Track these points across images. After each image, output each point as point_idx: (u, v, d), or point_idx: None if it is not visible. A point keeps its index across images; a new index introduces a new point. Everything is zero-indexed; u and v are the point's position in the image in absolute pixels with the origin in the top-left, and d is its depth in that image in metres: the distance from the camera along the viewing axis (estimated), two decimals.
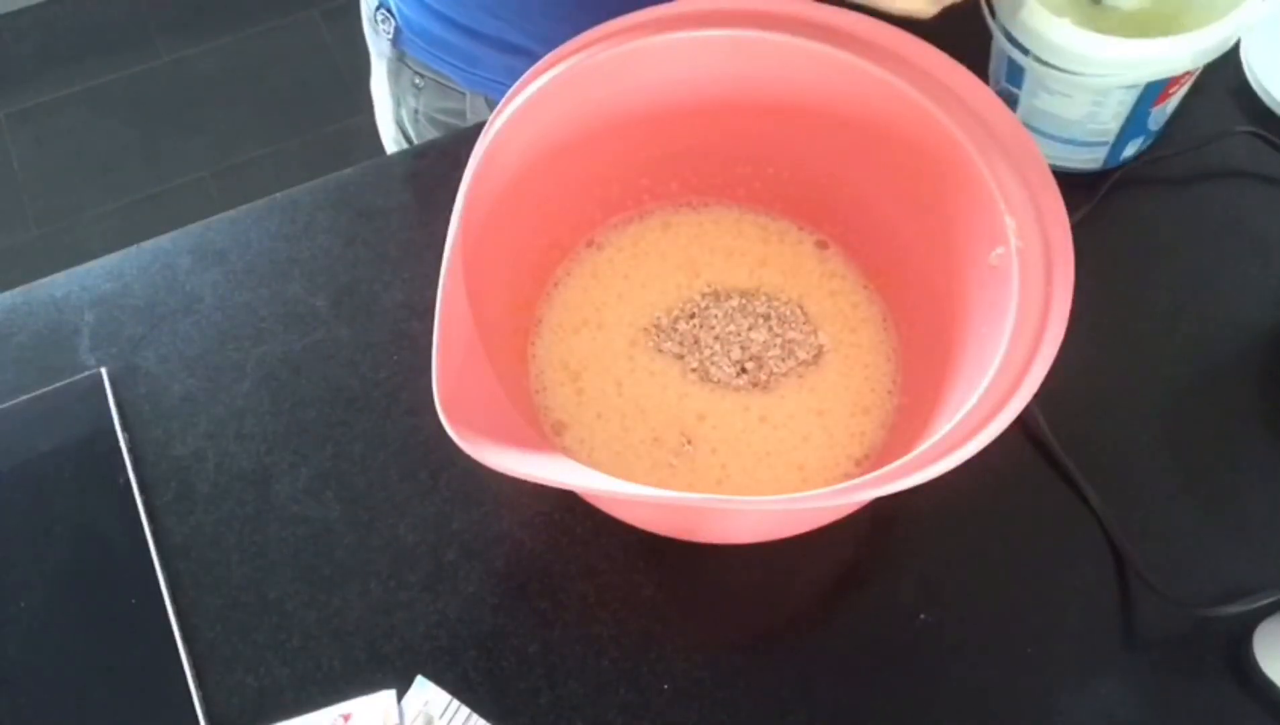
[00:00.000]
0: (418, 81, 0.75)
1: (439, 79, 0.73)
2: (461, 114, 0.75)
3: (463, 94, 0.73)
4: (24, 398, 0.56)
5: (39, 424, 0.55)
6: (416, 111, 0.77)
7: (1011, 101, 0.61)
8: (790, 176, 0.57)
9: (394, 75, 0.76)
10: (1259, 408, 0.57)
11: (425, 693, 0.49)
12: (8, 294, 0.60)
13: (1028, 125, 0.61)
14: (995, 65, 0.61)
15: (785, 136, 0.55)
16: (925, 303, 0.53)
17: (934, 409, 0.48)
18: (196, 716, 0.48)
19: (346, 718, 0.48)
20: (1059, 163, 0.63)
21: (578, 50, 0.49)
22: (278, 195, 0.63)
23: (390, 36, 0.73)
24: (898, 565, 0.53)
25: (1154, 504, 0.54)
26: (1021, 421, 0.50)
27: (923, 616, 0.51)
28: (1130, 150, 0.63)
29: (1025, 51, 0.56)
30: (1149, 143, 0.63)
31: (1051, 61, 0.56)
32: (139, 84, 1.79)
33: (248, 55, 1.82)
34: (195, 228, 0.62)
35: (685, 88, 0.53)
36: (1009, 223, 0.45)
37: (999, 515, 0.53)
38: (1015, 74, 0.59)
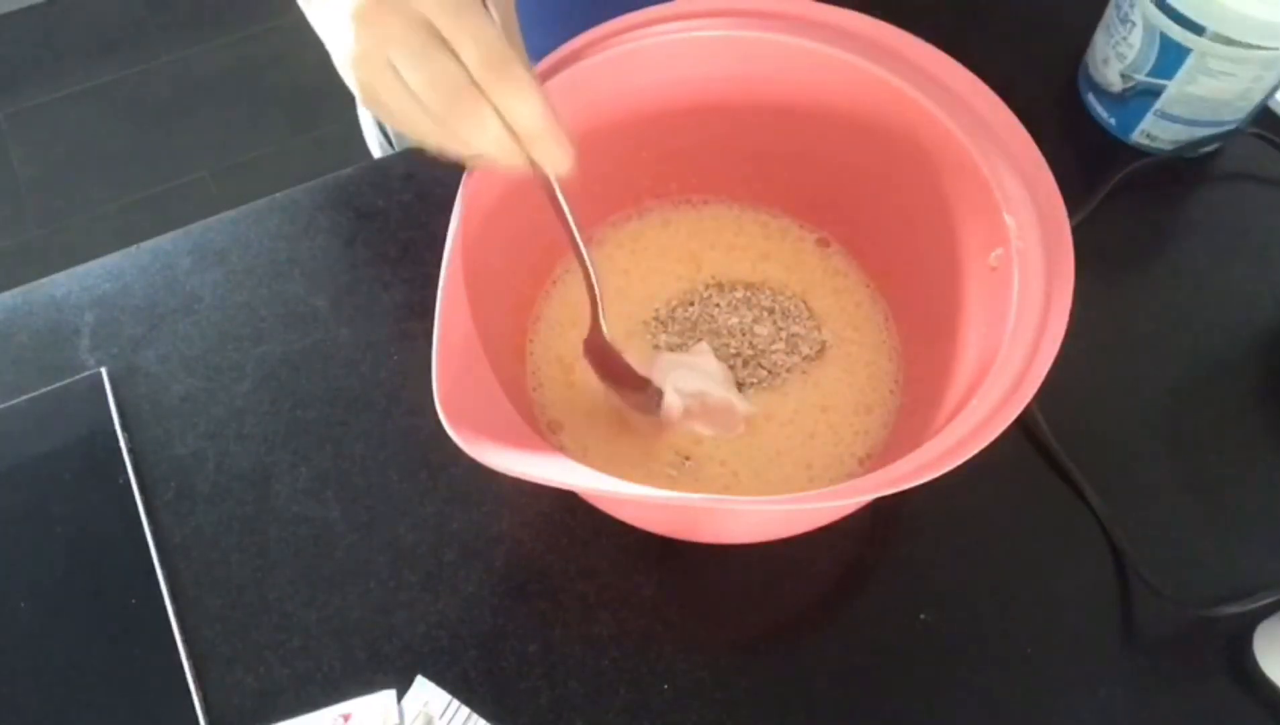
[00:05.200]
0: None
1: None
2: None
3: None
4: (24, 398, 0.56)
5: (39, 424, 0.55)
6: None
7: (1153, 94, 0.61)
8: (790, 175, 0.57)
9: None
10: (1259, 408, 0.57)
11: (425, 693, 0.49)
12: (8, 294, 0.60)
13: (1161, 113, 0.62)
14: (1135, 60, 0.61)
15: (784, 136, 0.55)
16: (926, 302, 0.53)
17: (935, 408, 0.48)
18: (196, 716, 0.48)
19: (346, 718, 0.48)
20: (1164, 146, 0.64)
21: (577, 50, 0.49)
22: (278, 195, 0.63)
23: None
24: (898, 565, 0.53)
25: (1154, 504, 0.54)
26: (1021, 421, 0.50)
27: (923, 616, 0.51)
28: (1245, 122, 0.64)
29: (1200, 31, 0.56)
30: (1257, 115, 0.64)
31: (1235, 37, 0.56)
32: (139, 84, 1.79)
33: (248, 55, 1.82)
34: (195, 228, 0.62)
35: (685, 87, 0.53)
36: (1009, 223, 0.45)
37: (999, 515, 0.54)
38: (1170, 63, 0.59)
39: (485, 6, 0.38)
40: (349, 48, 0.38)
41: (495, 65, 0.37)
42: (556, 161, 0.40)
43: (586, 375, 0.54)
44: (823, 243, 0.58)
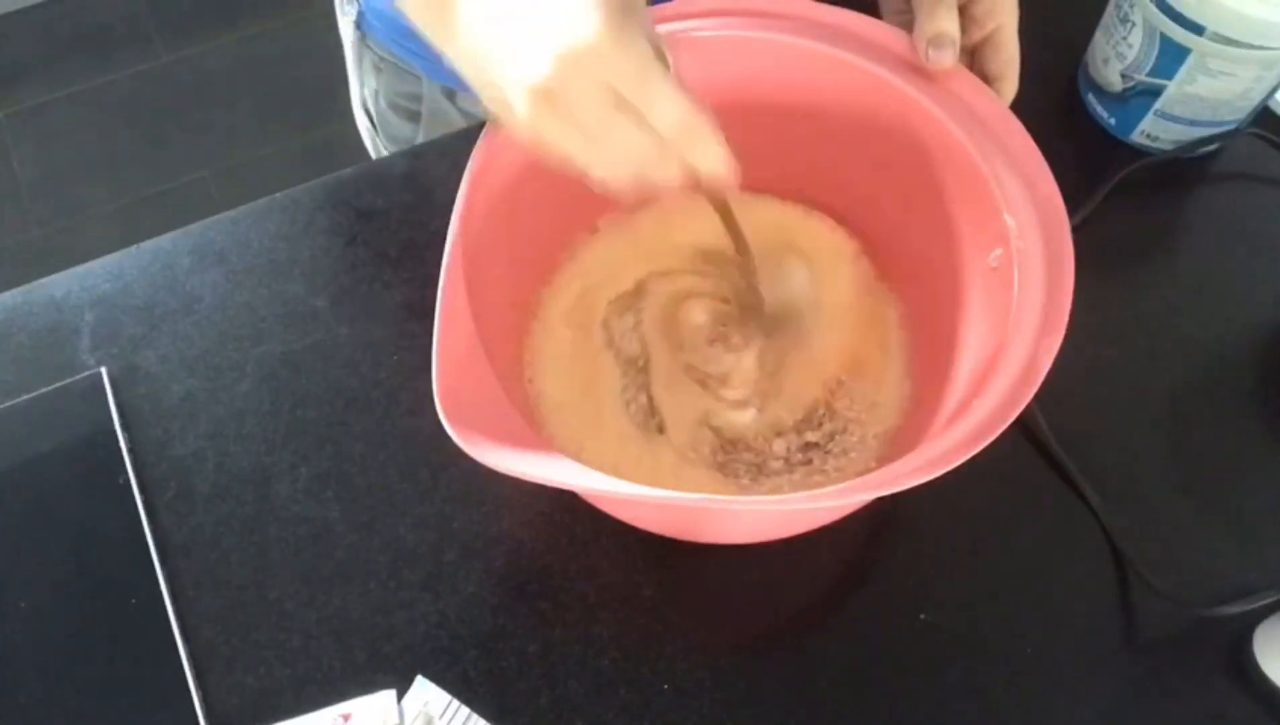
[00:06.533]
0: (378, 64, 0.75)
1: (399, 63, 0.74)
2: (419, 98, 0.75)
3: (419, 78, 0.74)
4: (24, 398, 0.56)
5: (39, 424, 0.55)
6: (377, 93, 0.78)
7: (1153, 94, 0.61)
8: (790, 175, 0.57)
9: (357, 56, 0.77)
10: (1259, 408, 0.57)
11: (425, 693, 0.49)
12: (8, 294, 0.60)
13: (1161, 113, 0.62)
14: (1136, 60, 0.61)
15: (784, 136, 0.55)
16: (928, 301, 0.53)
17: (935, 409, 0.48)
18: (196, 716, 0.48)
19: (346, 718, 0.48)
20: (1164, 146, 0.64)
21: None
22: (278, 195, 0.63)
23: (354, 19, 0.73)
24: (898, 565, 0.53)
25: (1154, 504, 0.54)
26: (1021, 421, 0.50)
27: (923, 616, 0.51)
28: (1245, 122, 0.64)
29: (1199, 30, 0.56)
30: (1257, 116, 0.64)
31: (1234, 37, 0.56)
32: (139, 84, 1.79)
33: (248, 55, 1.82)
34: (195, 228, 0.62)
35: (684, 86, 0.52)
36: (1009, 223, 0.45)
37: (999, 515, 0.54)
38: (1170, 63, 0.59)
39: (667, 65, 0.38)
40: (523, 115, 0.37)
41: (688, 130, 0.38)
42: (730, 182, 0.42)
43: (595, 379, 0.54)
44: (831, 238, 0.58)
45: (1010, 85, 0.49)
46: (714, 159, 0.40)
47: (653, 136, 0.38)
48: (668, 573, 0.52)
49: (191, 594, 0.51)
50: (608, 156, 0.39)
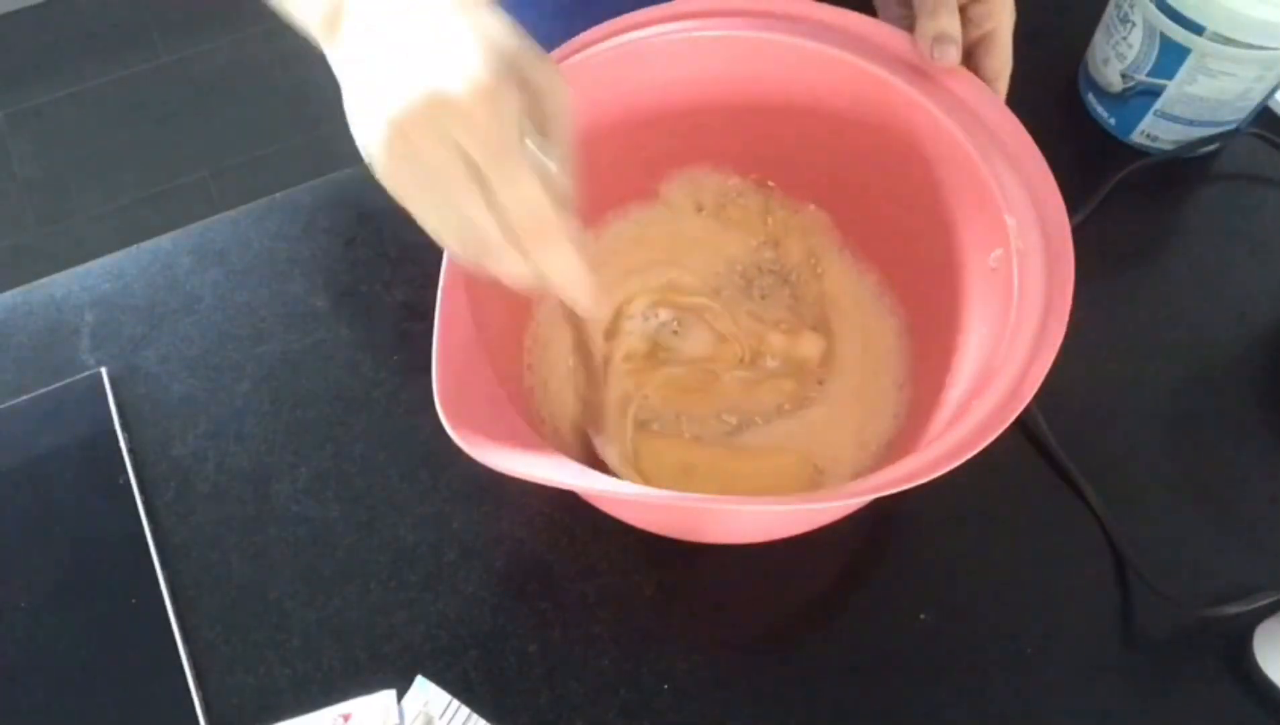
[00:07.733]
0: None
1: None
2: None
3: None
4: (24, 398, 0.56)
5: (39, 424, 0.55)
6: None
7: (1153, 94, 0.61)
8: (791, 176, 0.57)
9: None
10: (1259, 407, 0.57)
11: (425, 693, 0.49)
12: (8, 294, 0.60)
13: (1161, 113, 0.62)
14: (1136, 60, 0.61)
15: (784, 136, 0.55)
16: (928, 302, 0.53)
17: (934, 409, 0.48)
18: (196, 716, 0.48)
19: (346, 718, 0.48)
20: (1164, 146, 0.64)
21: (577, 49, 0.49)
22: (278, 195, 0.63)
23: None
24: (898, 565, 0.53)
25: (1154, 504, 0.54)
26: (1021, 421, 0.50)
27: (923, 616, 0.51)
28: (1245, 123, 0.64)
29: (1199, 30, 0.56)
30: (1257, 115, 0.64)
31: (1234, 37, 0.56)
32: (139, 84, 1.79)
33: (248, 55, 1.82)
34: (195, 228, 0.62)
35: (685, 87, 0.53)
36: (1009, 223, 0.45)
37: (999, 515, 0.53)
38: (1170, 63, 0.59)
39: (530, 143, 0.35)
40: (378, 148, 0.34)
41: (531, 228, 0.35)
42: (585, 312, 0.38)
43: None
44: (833, 242, 0.58)
45: (1003, 86, 0.50)
46: (562, 266, 0.36)
47: (498, 221, 0.34)
48: (668, 573, 0.52)
49: (191, 594, 0.51)
50: (450, 228, 0.35)
